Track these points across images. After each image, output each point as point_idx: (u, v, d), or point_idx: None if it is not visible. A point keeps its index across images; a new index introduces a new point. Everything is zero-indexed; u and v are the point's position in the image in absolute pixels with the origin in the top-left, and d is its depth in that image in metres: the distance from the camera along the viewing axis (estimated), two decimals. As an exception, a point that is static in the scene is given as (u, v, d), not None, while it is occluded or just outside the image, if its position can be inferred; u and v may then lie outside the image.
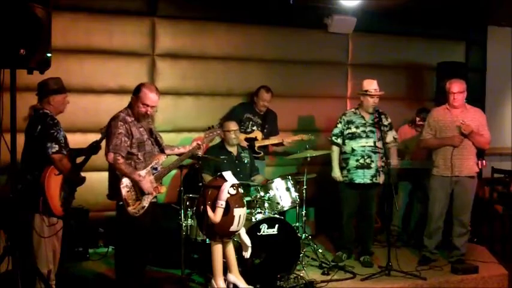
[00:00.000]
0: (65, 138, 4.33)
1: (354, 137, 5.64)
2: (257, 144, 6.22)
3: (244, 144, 6.10)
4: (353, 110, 5.80)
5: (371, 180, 5.59)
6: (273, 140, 6.34)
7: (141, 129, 4.36)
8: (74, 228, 5.39)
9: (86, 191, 5.08)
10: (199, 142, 4.72)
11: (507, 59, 8.27)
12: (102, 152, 4.40)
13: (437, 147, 5.60)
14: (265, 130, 6.37)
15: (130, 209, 4.21)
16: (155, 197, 4.46)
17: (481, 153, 5.78)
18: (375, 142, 5.61)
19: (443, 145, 5.53)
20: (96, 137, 4.61)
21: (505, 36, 8.26)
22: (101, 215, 5.81)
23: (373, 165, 5.59)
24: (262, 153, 6.31)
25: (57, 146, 4.19)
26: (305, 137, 6.24)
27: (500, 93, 8.42)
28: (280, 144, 6.34)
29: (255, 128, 6.31)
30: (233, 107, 6.51)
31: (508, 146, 8.32)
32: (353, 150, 5.63)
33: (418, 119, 6.65)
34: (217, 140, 5.71)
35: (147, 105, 4.30)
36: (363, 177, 5.59)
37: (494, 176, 7.91)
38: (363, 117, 5.69)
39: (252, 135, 6.25)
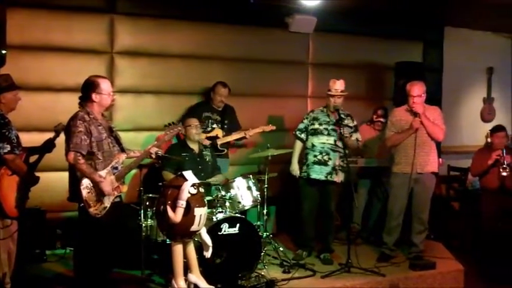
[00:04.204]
0: (17, 137, 4.22)
1: (316, 133, 5.72)
2: (219, 142, 6.19)
3: (207, 142, 6.05)
4: (321, 108, 5.88)
5: (326, 177, 5.64)
6: (235, 136, 6.32)
7: (99, 127, 4.26)
8: (31, 229, 5.25)
9: (43, 191, 4.98)
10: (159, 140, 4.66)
11: (463, 59, 8.48)
12: (59, 151, 4.30)
13: (402, 140, 5.58)
14: (225, 126, 6.34)
15: (91, 210, 4.13)
16: (119, 196, 4.40)
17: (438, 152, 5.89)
18: (335, 141, 5.67)
19: (407, 136, 5.52)
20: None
21: (461, 37, 8.47)
22: (59, 216, 5.69)
23: (330, 162, 5.64)
24: (225, 151, 6.29)
25: (9, 146, 4.09)
26: (266, 128, 6.26)
27: (457, 93, 8.63)
28: (243, 138, 6.33)
29: (215, 126, 6.26)
30: (190, 107, 6.43)
31: (464, 144, 8.54)
32: (313, 145, 5.71)
33: (375, 116, 6.77)
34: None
35: (110, 93, 4.33)
36: (319, 173, 5.64)
37: (451, 174, 8.12)
38: (328, 115, 5.76)
39: (212, 134, 6.20)
